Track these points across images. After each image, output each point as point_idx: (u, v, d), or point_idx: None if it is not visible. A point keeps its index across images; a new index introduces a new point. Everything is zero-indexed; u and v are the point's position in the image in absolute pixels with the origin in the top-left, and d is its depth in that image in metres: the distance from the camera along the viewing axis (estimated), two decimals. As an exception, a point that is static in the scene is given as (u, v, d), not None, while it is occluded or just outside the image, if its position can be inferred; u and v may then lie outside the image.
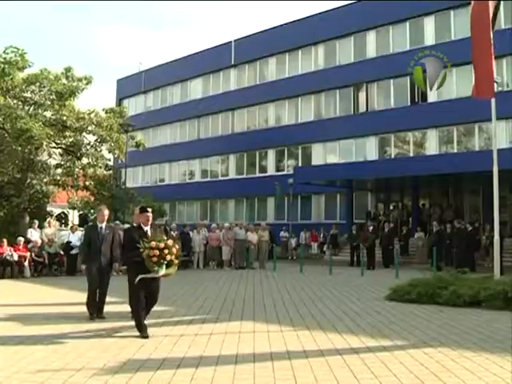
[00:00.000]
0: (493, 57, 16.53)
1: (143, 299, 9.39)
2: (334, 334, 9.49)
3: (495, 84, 17.52)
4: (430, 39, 35.39)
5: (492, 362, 7.50)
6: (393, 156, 37.04)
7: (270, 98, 43.33)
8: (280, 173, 41.70)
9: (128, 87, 55.84)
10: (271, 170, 43.45)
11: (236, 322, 10.76)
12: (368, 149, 37.88)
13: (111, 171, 35.72)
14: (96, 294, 11.05)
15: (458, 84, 33.72)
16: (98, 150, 31.88)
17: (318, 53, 41.41)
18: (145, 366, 7.24)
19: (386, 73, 36.59)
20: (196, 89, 50.27)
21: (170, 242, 9.08)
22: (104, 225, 11.42)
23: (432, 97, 35.11)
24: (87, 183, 31.77)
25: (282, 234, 35.86)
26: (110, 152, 32.99)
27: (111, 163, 38.50)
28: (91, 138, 31.66)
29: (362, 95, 38.68)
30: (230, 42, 46.92)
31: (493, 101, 16.76)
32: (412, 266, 25.79)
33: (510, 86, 31.80)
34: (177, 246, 9.25)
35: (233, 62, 46.62)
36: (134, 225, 10.39)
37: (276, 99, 43.25)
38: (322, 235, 35.23)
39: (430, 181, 31.50)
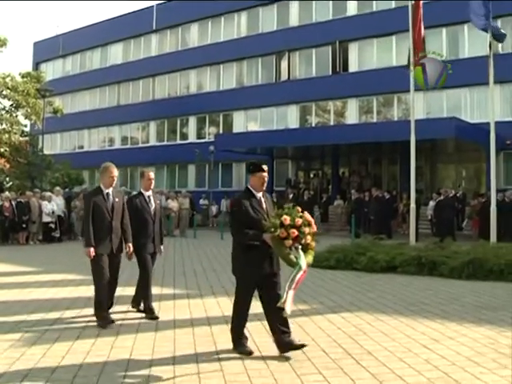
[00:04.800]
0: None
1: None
2: (254, 300, 9.57)
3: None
4: (352, 10, 35.66)
5: (406, 324, 7.76)
6: (313, 124, 37.38)
7: (191, 64, 42.78)
8: (201, 140, 41.43)
9: (45, 51, 53.93)
10: (192, 138, 43.11)
11: (156, 290, 10.73)
12: (289, 117, 38.08)
13: (28, 138, 34.77)
14: (107, 290, 8.00)
15: (379, 55, 34.26)
16: (14, 115, 30.92)
17: (240, 20, 41.10)
18: (64, 335, 7.14)
19: (309, 42, 36.70)
20: (116, 54, 49.09)
21: (306, 214, 6.33)
22: (111, 190, 8.15)
23: (353, 67, 35.59)
24: (2, 150, 30.81)
25: (202, 201, 35.73)
26: (26, 118, 32.09)
27: (27, 129, 37.45)
28: (6, 103, 30.69)
29: (284, 63, 38.72)
30: (152, 6, 45.94)
31: (411, 73, 17.14)
32: (331, 233, 26.24)
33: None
34: (313, 220, 6.48)
35: (154, 28, 45.69)
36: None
37: (198, 66, 42.74)
38: (242, 203, 35.25)
39: (350, 150, 31.99)
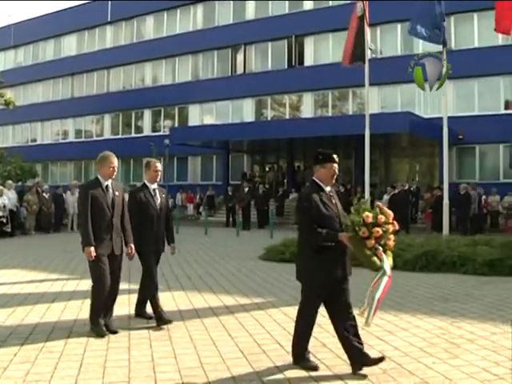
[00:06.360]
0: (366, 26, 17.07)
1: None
2: (209, 294, 9.57)
3: (369, 51, 18.10)
4: (308, 4, 35.84)
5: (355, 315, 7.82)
6: (269, 118, 37.47)
7: (146, 57, 42.40)
8: (156, 133, 41.18)
9: (-4, 41, 52.97)
10: (147, 131, 42.81)
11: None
12: (245, 110, 38.09)
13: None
14: (107, 296, 6.98)
15: (334, 49, 34.43)
16: (-36, 107, 30.25)
17: (196, 13, 40.89)
18: (17, 332, 7.02)
19: (265, 35, 36.76)
20: (70, 45, 48.31)
21: (386, 210, 5.53)
22: (111, 183, 7.20)
23: (308, 61, 35.75)
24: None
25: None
26: (-24, 110, 31.42)
27: (-22, 121, 36.75)
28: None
29: (240, 57, 38.70)
30: (107, -3, 45.43)
31: (366, 67, 17.27)
32: (287, 227, 26.33)
33: (383, 54, 32.80)
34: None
35: (109, 19, 45.14)
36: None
37: (153, 58, 42.40)
38: (198, 196, 35.25)
39: (305, 143, 32.13)
